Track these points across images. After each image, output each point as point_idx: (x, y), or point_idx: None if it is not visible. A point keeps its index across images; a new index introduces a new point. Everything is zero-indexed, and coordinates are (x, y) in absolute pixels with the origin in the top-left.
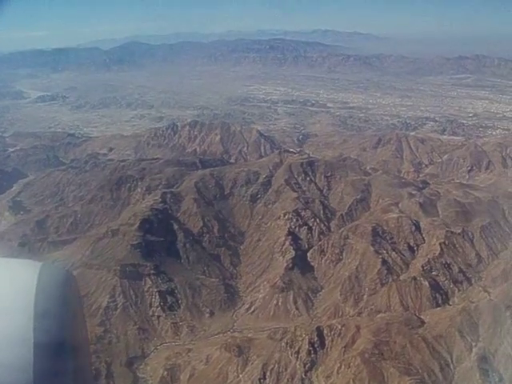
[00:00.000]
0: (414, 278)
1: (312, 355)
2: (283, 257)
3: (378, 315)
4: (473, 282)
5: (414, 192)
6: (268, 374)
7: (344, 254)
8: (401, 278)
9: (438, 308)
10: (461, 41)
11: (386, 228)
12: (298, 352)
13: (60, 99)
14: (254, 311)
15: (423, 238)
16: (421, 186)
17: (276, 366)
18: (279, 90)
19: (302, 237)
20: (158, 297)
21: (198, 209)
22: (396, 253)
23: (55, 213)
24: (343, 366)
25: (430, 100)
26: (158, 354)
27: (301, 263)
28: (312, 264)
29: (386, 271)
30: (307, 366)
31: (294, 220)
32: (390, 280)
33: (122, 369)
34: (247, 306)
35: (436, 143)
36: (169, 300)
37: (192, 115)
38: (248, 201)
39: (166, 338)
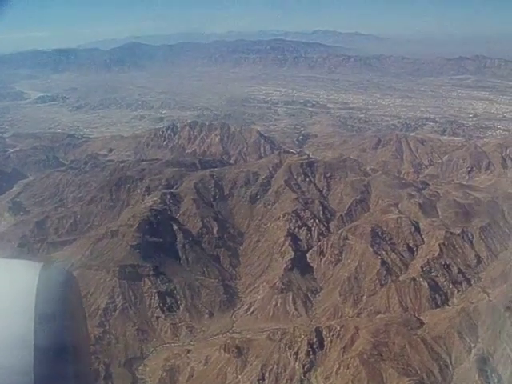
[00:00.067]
0: (414, 279)
1: (311, 356)
2: (282, 258)
3: (377, 316)
4: (472, 282)
5: (413, 193)
6: (267, 374)
7: (343, 255)
8: (400, 278)
9: (437, 309)
10: (461, 41)
11: (385, 229)
12: (296, 353)
13: (60, 100)
14: (253, 312)
15: (422, 238)
16: (420, 186)
17: (275, 366)
18: (279, 90)
19: (301, 237)
20: (157, 298)
21: (198, 209)
22: (395, 253)
23: (55, 213)
24: (342, 367)
25: (430, 101)
26: (157, 355)
27: (300, 264)
28: (311, 265)
29: (385, 272)
30: (306, 367)
31: (294, 221)
32: (390, 281)
33: (121, 370)
34: (246, 307)
35: (436, 144)
36: (168, 301)
37: (192, 116)
38: (247, 201)
39: (165, 338)
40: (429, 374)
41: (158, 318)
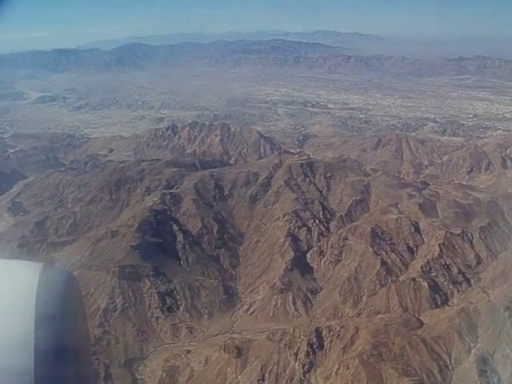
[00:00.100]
0: (413, 279)
1: (311, 356)
2: (282, 258)
3: (377, 316)
4: (472, 283)
5: (413, 193)
6: (267, 375)
7: (343, 255)
8: (400, 278)
9: (437, 309)
10: (461, 42)
11: (385, 229)
12: (296, 353)
13: (60, 100)
14: (253, 312)
15: (422, 238)
16: (420, 186)
17: (275, 367)
18: (280, 90)
19: (301, 238)
20: (157, 298)
21: (198, 210)
22: (395, 254)
23: (55, 214)
24: (342, 367)
25: (431, 101)
26: (156, 356)
27: (300, 264)
28: (311, 265)
29: (385, 272)
30: (306, 367)
31: (294, 221)
32: (389, 281)
33: (121, 370)
34: (246, 307)
35: (436, 144)
36: (168, 301)
37: (192, 116)
38: (247, 202)
39: (164, 339)
40: (429, 374)
41: (157, 318)
